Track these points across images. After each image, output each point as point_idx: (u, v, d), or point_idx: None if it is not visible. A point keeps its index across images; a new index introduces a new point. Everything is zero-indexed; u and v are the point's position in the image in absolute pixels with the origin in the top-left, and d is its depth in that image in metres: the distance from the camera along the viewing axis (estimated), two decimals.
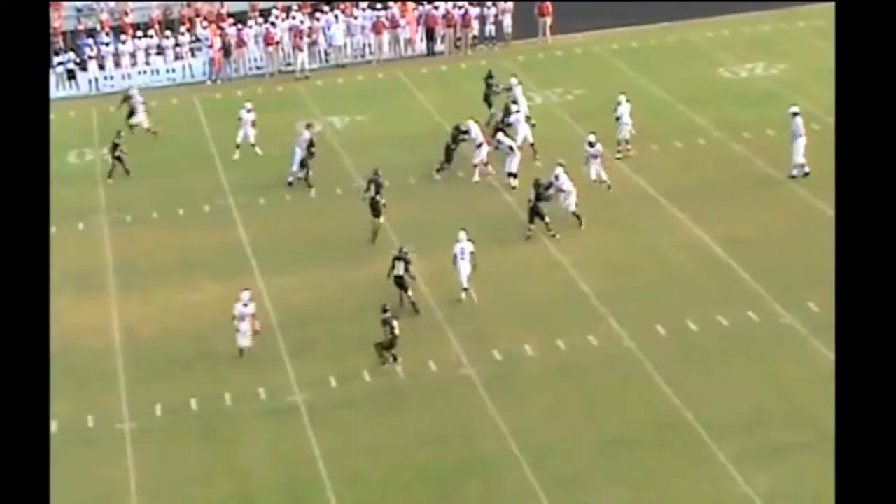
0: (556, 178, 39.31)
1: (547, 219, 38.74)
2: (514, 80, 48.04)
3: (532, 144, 44.56)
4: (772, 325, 33.65)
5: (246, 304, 33.69)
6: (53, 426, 31.20)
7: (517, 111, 45.25)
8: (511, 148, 42.76)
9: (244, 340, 33.58)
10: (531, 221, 38.88)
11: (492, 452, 29.31)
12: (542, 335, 33.91)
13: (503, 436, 29.83)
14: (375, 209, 39.29)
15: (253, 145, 47.36)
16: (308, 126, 45.14)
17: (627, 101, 44.98)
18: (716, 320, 34.02)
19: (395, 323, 32.52)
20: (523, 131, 44.80)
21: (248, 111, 47.70)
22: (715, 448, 28.81)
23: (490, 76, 49.10)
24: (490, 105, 47.93)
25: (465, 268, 35.55)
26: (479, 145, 43.37)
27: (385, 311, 32.85)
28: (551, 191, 39.18)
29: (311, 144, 44.38)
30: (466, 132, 43.85)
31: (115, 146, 46.40)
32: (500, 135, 43.36)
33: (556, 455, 28.99)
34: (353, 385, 32.32)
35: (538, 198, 38.71)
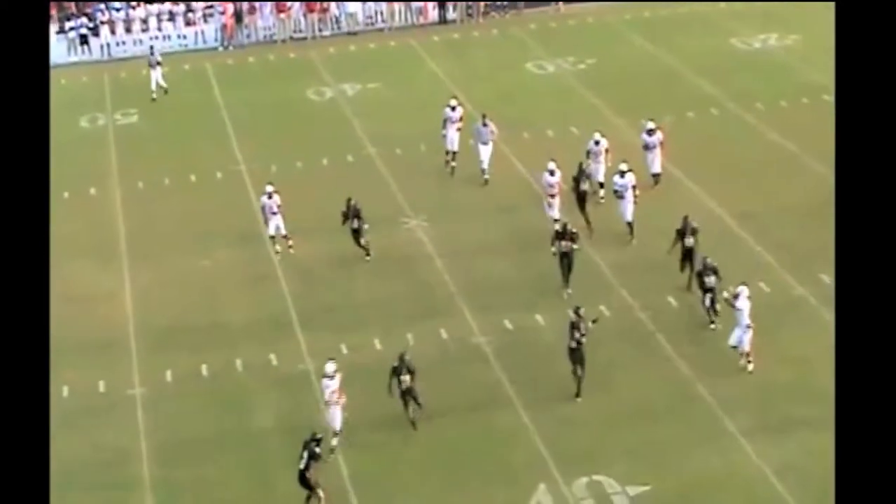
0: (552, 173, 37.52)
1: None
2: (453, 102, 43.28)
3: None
4: (784, 298, 33.58)
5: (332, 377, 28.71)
6: (65, 392, 31.35)
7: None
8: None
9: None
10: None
11: (503, 424, 29.33)
12: (554, 305, 33.84)
13: (515, 407, 29.83)
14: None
15: None
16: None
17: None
18: (728, 292, 33.90)
19: (316, 450, 26.71)
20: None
21: None
22: (727, 421, 28.80)
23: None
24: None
25: None
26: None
27: (314, 439, 26.89)
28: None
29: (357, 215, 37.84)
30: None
31: None
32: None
33: (568, 427, 28.98)
34: (364, 354, 32.27)
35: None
